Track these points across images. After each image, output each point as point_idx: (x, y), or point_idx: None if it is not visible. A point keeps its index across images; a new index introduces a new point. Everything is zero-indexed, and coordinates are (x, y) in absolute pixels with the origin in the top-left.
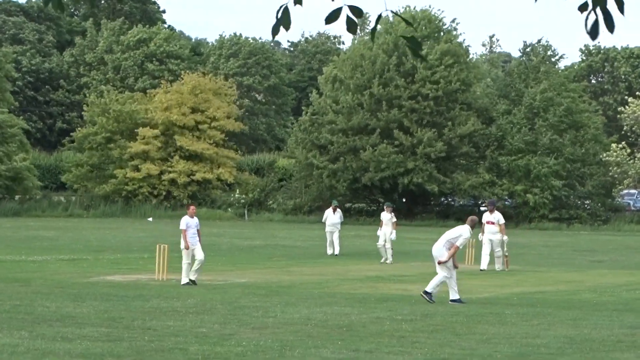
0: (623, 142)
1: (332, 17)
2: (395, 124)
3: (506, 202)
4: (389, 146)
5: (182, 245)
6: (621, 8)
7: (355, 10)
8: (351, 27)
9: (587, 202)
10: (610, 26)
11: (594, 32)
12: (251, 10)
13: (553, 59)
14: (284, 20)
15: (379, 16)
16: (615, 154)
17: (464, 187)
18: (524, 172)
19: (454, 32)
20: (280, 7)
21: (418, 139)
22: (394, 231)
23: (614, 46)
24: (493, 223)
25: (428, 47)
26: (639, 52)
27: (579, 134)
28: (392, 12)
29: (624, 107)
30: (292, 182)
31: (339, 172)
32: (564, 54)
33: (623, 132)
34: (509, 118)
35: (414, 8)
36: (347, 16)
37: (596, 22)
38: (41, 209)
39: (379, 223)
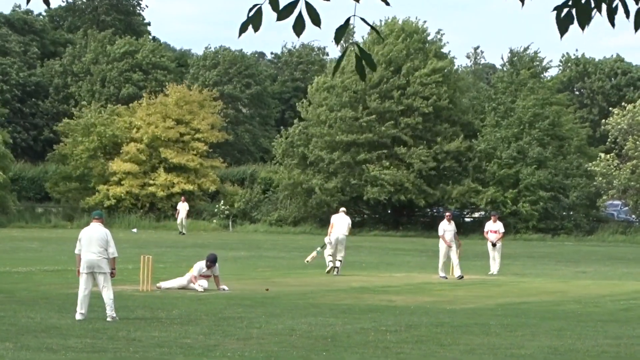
0: (612, 153)
1: (284, 13)
2: (390, 139)
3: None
4: (386, 160)
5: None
6: (598, 6)
7: (312, 11)
8: (298, 26)
9: (572, 212)
10: (583, 21)
11: (563, 26)
12: (236, 23)
13: (539, 69)
14: (254, 20)
15: (347, 20)
16: (602, 164)
17: (453, 195)
18: (513, 180)
19: (439, 43)
20: (254, 6)
21: (416, 154)
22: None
23: (592, 57)
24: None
25: (419, 60)
26: (619, 65)
27: (562, 145)
28: (361, 18)
29: (608, 119)
30: (275, 194)
31: (333, 189)
32: (550, 61)
33: (607, 143)
34: (500, 132)
35: (399, 20)
36: (299, 13)
37: (568, 15)
38: (24, 220)
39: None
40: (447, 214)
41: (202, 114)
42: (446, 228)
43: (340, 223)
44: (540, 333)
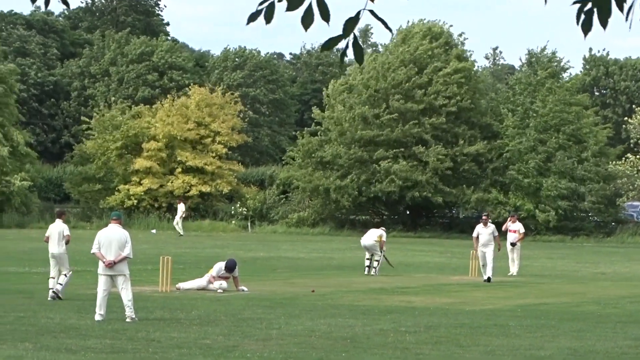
0: (637, 156)
1: (294, 3)
2: (412, 138)
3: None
4: (403, 160)
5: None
6: (620, 5)
7: (322, 5)
8: (307, 18)
9: (591, 214)
10: (604, 20)
11: (586, 25)
12: (255, 24)
13: (557, 69)
14: (267, 12)
15: (358, 13)
16: (627, 165)
17: (471, 202)
18: (533, 190)
19: (460, 47)
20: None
21: (433, 153)
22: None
23: (615, 58)
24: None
25: (441, 62)
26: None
27: (581, 148)
28: (370, 11)
29: (630, 118)
30: (294, 195)
31: (347, 187)
32: (568, 61)
33: (629, 144)
34: (525, 135)
35: (428, 21)
36: (309, 5)
37: (590, 13)
38: (44, 220)
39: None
40: (484, 216)
41: (222, 116)
42: (481, 231)
43: (369, 233)
44: (560, 334)
